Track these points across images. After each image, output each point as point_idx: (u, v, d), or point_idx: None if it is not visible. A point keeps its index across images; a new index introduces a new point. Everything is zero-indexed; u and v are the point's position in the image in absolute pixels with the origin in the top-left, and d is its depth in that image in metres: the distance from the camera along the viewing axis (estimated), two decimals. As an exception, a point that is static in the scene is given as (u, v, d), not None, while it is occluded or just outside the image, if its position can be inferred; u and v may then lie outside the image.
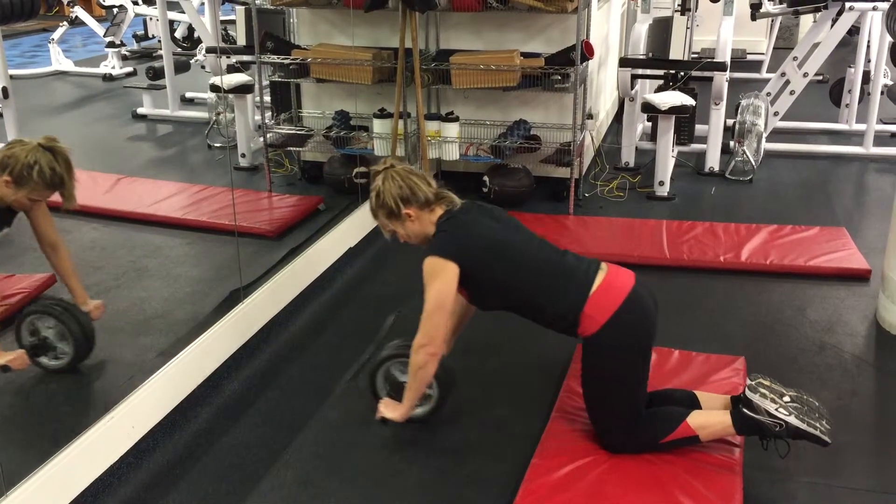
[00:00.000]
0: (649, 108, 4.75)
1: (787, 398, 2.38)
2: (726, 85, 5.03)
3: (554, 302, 2.45)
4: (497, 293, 2.53)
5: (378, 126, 4.63)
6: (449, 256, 2.44)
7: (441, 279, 2.43)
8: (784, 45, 8.47)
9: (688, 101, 4.71)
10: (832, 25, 5.50)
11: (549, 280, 2.48)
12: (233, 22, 5.55)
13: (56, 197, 2.79)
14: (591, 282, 2.44)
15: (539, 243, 2.57)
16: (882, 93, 5.57)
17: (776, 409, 2.35)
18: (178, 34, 6.77)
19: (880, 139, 5.64)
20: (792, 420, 2.34)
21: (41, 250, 2.91)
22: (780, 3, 6.45)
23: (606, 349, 2.44)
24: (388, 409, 2.61)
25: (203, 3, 5.56)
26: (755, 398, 2.38)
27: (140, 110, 6.03)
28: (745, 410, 2.39)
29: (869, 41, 5.72)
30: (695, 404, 2.55)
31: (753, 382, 2.42)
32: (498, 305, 2.58)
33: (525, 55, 4.49)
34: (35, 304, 2.96)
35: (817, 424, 2.35)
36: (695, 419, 2.45)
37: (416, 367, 2.51)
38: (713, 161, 5.25)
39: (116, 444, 2.45)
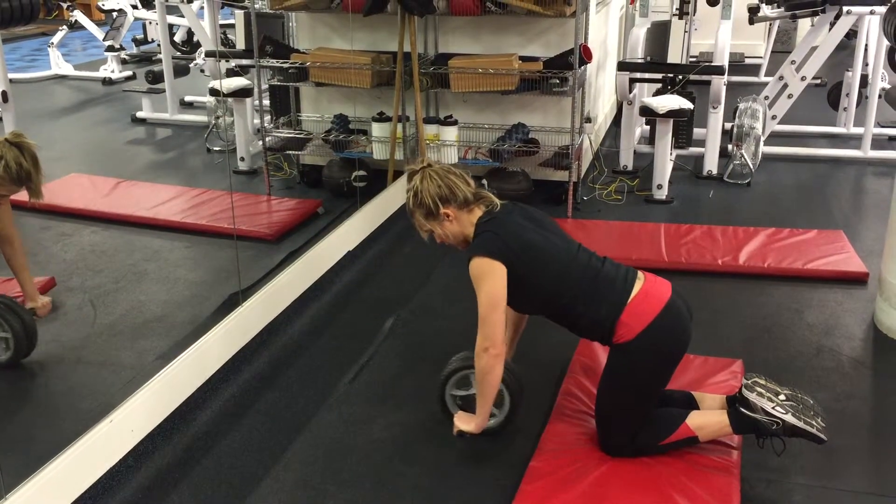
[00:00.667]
0: (647, 112, 4.76)
1: (782, 396, 2.39)
2: (724, 88, 5.04)
3: (593, 310, 2.43)
4: (538, 298, 2.49)
5: (377, 130, 4.64)
6: (496, 257, 2.39)
7: (491, 279, 2.39)
8: (782, 48, 8.49)
9: (686, 104, 4.72)
10: (830, 29, 5.52)
11: (589, 287, 2.45)
12: (232, 26, 5.55)
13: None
14: (630, 290, 2.42)
15: (579, 249, 2.54)
16: (880, 96, 5.58)
17: (773, 408, 2.37)
18: (177, 38, 6.78)
19: (878, 142, 5.66)
20: (789, 418, 2.36)
21: None
22: (778, 6, 6.46)
23: (639, 357, 2.42)
24: (463, 422, 2.56)
25: (202, 7, 5.57)
26: (752, 397, 2.39)
27: (139, 114, 6.04)
28: (743, 409, 2.40)
29: (867, 45, 5.74)
30: (692, 404, 2.56)
31: (749, 381, 2.43)
32: (536, 310, 2.56)
33: (523, 59, 4.50)
34: None
35: (813, 422, 2.36)
36: (694, 420, 2.46)
37: (483, 373, 2.46)
38: (711, 164, 5.26)
39: (115, 446, 2.45)
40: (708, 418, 2.47)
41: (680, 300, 2.48)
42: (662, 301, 2.42)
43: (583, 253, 2.53)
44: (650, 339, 2.39)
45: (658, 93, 5.05)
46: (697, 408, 2.54)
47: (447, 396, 2.70)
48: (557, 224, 2.63)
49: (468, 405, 2.66)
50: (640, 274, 2.51)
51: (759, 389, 2.40)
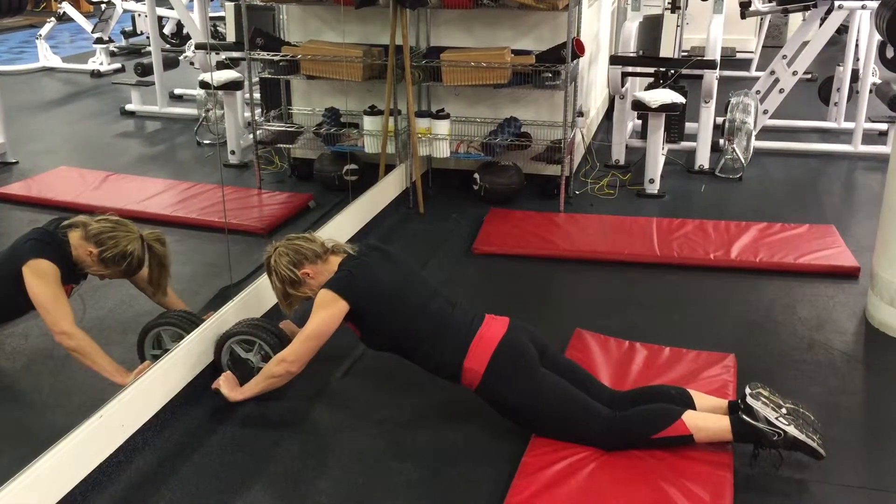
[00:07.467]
0: (639, 106, 4.75)
1: (784, 410, 2.40)
2: (716, 83, 5.04)
3: (438, 353, 2.60)
4: (386, 336, 2.68)
5: (368, 123, 4.62)
6: (342, 294, 2.58)
7: (328, 312, 2.58)
8: (773, 43, 8.50)
9: (678, 98, 4.72)
10: (821, 24, 5.53)
11: (436, 331, 2.62)
12: (222, 18, 5.52)
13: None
14: (472, 336, 2.58)
15: (433, 292, 2.70)
16: (870, 91, 5.59)
17: (776, 419, 2.37)
18: (166, 30, 6.74)
19: (869, 137, 5.67)
20: (791, 430, 2.37)
21: None
22: (770, 1, 6.47)
23: (498, 392, 2.56)
24: (226, 386, 2.73)
25: (192, 0, 5.53)
26: (757, 406, 2.39)
27: (128, 107, 6.00)
28: (746, 417, 2.40)
29: (857, 40, 5.75)
30: (688, 402, 2.55)
31: (754, 391, 2.43)
32: (386, 347, 2.71)
33: (516, 52, 4.49)
34: None
35: (814, 437, 2.37)
36: (691, 419, 2.45)
37: (270, 375, 2.67)
38: (703, 159, 5.26)
39: (106, 442, 2.43)
40: (707, 421, 2.46)
41: (515, 332, 2.61)
42: (495, 341, 2.57)
43: (436, 298, 2.69)
44: (495, 376, 2.54)
45: (650, 87, 5.05)
46: (694, 406, 2.53)
47: (224, 351, 2.87)
48: (416, 268, 2.87)
49: (238, 368, 2.84)
50: (484, 318, 2.65)
51: (763, 399, 2.40)
